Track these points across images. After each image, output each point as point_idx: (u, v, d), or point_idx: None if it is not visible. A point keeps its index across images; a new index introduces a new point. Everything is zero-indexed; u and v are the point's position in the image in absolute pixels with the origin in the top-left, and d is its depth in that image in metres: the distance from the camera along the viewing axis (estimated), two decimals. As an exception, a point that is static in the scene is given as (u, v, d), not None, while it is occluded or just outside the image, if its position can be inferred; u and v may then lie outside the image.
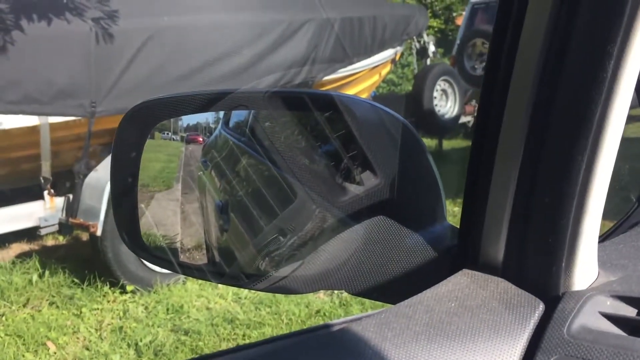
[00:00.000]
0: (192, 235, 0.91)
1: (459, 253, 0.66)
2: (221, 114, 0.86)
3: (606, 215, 0.94)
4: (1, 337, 3.69)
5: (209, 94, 0.78)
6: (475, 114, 0.63)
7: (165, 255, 0.89)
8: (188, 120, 0.86)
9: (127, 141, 0.82)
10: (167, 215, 0.94)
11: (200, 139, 0.89)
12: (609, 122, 0.51)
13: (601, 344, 0.50)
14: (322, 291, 3.98)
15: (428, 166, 0.69)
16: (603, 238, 0.83)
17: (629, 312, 0.55)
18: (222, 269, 0.86)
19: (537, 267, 0.58)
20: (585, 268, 0.58)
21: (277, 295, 3.97)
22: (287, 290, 0.71)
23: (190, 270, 0.90)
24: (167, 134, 0.87)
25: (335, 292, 3.92)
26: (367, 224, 0.69)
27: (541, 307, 0.56)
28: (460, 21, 11.65)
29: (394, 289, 0.67)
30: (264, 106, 0.78)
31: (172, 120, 0.84)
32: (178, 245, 0.89)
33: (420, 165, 0.70)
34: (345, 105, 0.70)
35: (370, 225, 0.69)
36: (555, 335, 0.52)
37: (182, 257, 0.88)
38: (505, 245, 0.60)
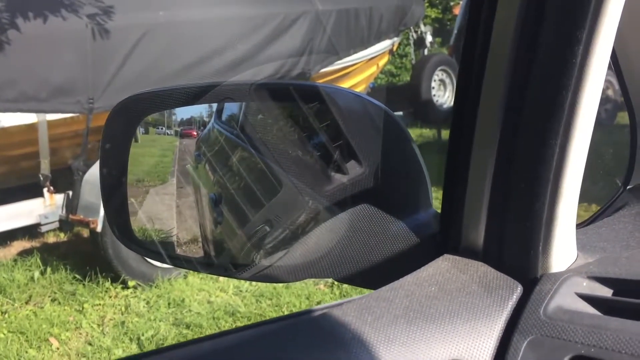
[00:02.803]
0: (185, 228, 0.92)
1: (442, 239, 0.67)
2: (214, 107, 0.87)
3: (593, 200, 0.95)
4: (4, 334, 3.71)
5: (195, 87, 0.78)
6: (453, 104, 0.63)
7: (155, 248, 0.90)
8: (182, 114, 0.87)
9: (116, 134, 0.83)
10: (162, 209, 0.95)
11: (195, 133, 0.89)
12: (580, 106, 0.52)
13: (576, 323, 0.51)
14: (322, 283, 3.99)
15: (412, 154, 0.70)
16: (588, 222, 0.84)
17: (605, 292, 0.56)
18: (211, 259, 0.87)
19: (516, 250, 0.59)
20: (563, 250, 0.59)
21: (277, 287, 3.99)
22: (272, 279, 0.72)
23: (180, 262, 0.91)
24: (161, 128, 0.88)
25: (336, 283, 3.93)
26: (351, 212, 0.70)
27: (519, 289, 0.57)
28: (457, 10, 11.61)
29: (378, 275, 0.68)
30: (250, 98, 0.78)
31: (165, 114, 0.85)
32: (169, 238, 0.90)
33: (404, 154, 0.71)
34: (330, 96, 0.71)
35: (355, 213, 0.70)
36: (532, 316, 0.53)
37: (173, 250, 0.89)
38: (485, 230, 0.61)
